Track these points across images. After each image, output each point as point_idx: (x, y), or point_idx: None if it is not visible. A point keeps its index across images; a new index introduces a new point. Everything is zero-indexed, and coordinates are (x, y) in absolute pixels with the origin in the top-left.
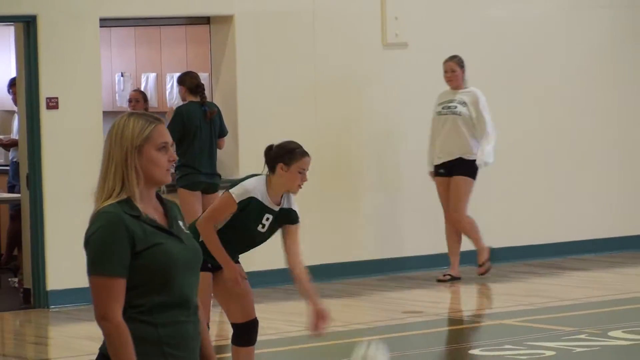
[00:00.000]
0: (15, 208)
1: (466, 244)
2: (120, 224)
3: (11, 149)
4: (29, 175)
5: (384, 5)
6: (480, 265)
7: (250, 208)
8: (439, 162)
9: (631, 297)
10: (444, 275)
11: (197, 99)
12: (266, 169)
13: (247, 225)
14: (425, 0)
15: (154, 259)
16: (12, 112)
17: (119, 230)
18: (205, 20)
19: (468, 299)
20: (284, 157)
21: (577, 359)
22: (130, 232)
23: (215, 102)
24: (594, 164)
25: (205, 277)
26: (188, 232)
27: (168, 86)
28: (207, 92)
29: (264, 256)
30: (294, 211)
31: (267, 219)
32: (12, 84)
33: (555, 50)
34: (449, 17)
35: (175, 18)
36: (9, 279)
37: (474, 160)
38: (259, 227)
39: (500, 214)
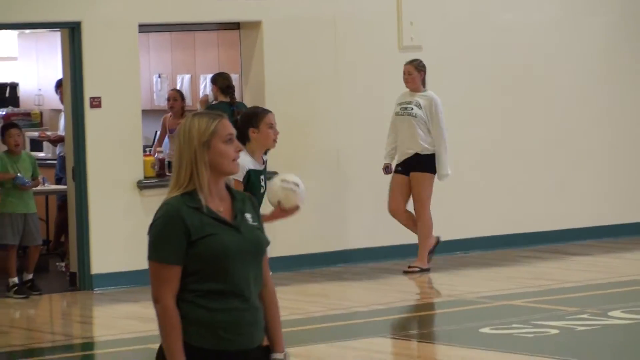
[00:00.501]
0: (62, 199)
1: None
2: (177, 216)
3: (58, 145)
4: (74, 168)
5: (400, 12)
6: (410, 266)
7: (252, 179)
8: (399, 160)
9: (629, 280)
10: (410, 268)
11: (227, 99)
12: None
13: (255, 194)
14: (438, 7)
15: (208, 248)
16: (59, 111)
17: (175, 222)
18: (236, 25)
19: (478, 281)
20: (251, 121)
21: (579, 336)
22: (186, 223)
23: (244, 100)
24: (595, 157)
25: None
26: (255, 224)
27: (202, 86)
28: (237, 92)
29: (287, 243)
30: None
31: (262, 179)
32: (59, 85)
33: (557, 52)
34: (458, 22)
35: (208, 24)
36: (57, 264)
37: (431, 155)
38: (261, 190)
39: (510, 203)
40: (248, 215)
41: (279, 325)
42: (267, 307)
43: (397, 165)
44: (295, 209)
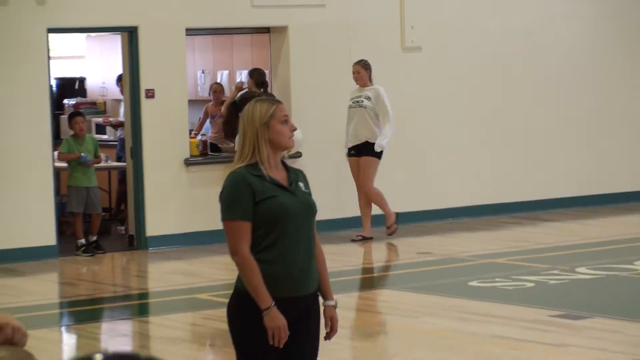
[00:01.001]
0: (122, 173)
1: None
2: (243, 181)
3: (119, 129)
4: (132, 148)
5: (403, 17)
6: (388, 227)
7: None
8: (350, 145)
9: (593, 242)
10: (357, 236)
11: (261, 91)
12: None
13: None
14: (436, 13)
15: (269, 208)
16: (119, 101)
17: (243, 186)
18: (266, 30)
19: (467, 243)
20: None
21: (551, 289)
22: (252, 187)
23: (273, 92)
24: (567, 140)
25: None
26: (307, 191)
27: (237, 81)
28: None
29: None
30: None
31: None
32: (119, 79)
33: (543, 52)
34: (454, 26)
35: (243, 28)
36: (118, 228)
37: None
38: None
39: (494, 177)
40: (301, 184)
41: (327, 276)
42: (317, 261)
43: (350, 149)
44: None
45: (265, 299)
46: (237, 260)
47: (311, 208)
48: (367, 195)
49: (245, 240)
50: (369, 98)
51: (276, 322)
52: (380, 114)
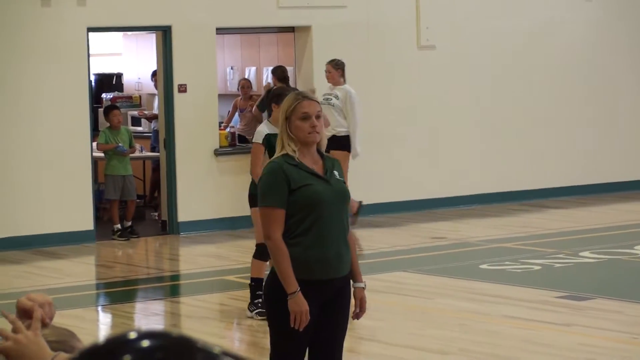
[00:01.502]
0: (156, 163)
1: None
2: (279, 170)
3: (153, 121)
4: (165, 139)
5: (419, 18)
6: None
7: (271, 141)
8: None
9: (596, 228)
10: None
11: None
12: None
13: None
14: (449, 15)
15: (304, 195)
16: (153, 95)
17: (278, 175)
18: (291, 29)
19: (478, 228)
20: (274, 98)
21: (557, 271)
22: (287, 175)
23: (297, 87)
24: (570, 130)
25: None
26: (340, 179)
27: (264, 76)
28: (292, 81)
29: None
30: None
31: None
32: (154, 74)
33: (551, 49)
34: (466, 27)
35: (269, 27)
36: (151, 214)
37: (345, 136)
38: None
39: (503, 167)
40: (335, 173)
41: (356, 260)
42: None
43: None
44: None
45: (291, 284)
46: (270, 244)
47: (344, 195)
48: None
49: (278, 226)
50: (337, 97)
51: (299, 307)
52: (347, 113)
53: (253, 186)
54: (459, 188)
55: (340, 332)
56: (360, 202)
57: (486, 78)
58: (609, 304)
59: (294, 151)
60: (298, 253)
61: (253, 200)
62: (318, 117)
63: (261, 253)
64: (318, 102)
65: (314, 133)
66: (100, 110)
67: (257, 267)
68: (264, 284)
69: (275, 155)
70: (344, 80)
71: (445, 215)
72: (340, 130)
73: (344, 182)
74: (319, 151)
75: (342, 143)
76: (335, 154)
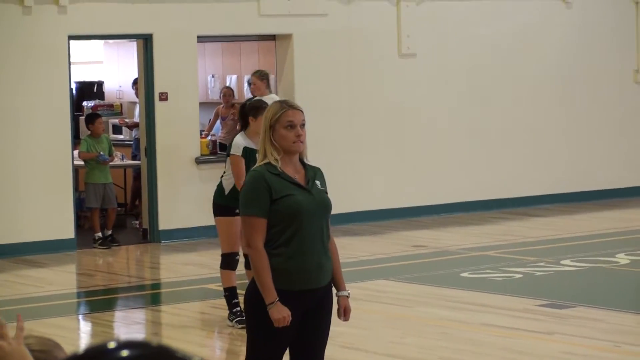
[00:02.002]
0: (137, 171)
1: None
2: (261, 179)
3: (134, 129)
4: (146, 147)
5: (400, 27)
6: None
7: (250, 155)
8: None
9: (577, 236)
10: None
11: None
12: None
13: (251, 165)
14: (429, 23)
15: (286, 205)
16: (134, 103)
17: (260, 184)
18: (272, 37)
19: (459, 236)
20: (252, 111)
21: (538, 279)
22: (269, 185)
23: (279, 95)
24: (552, 138)
25: (236, 220)
26: (322, 189)
27: (245, 85)
28: (273, 88)
29: None
30: None
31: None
32: (135, 82)
33: (533, 56)
34: (446, 34)
35: (250, 35)
36: (132, 222)
37: None
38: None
39: (484, 175)
40: (317, 182)
41: (340, 269)
42: (331, 255)
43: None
44: None
45: (270, 294)
46: (251, 253)
47: (326, 206)
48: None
49: (260, 235)
50: None
51: (280, 313)
52: None
53: (217, 195)
54: (440, 196)
55: (321, 341)
56: None
57: (467, 86)
58: (590, 312)
59: (277, 160)
60: (279, 263)
61: (218, 210)
62: (302, 126)
63: (227, 263)
64: (302, 112)
65: (299, 142)
66: (82, 118)
67: (227, 276)
68: (246, 287)
69: (257, 164)
70: (270, 91)
71: (426, 224)
72: None
73: (326, 192)
74: (301, 160)
75: None
76: None
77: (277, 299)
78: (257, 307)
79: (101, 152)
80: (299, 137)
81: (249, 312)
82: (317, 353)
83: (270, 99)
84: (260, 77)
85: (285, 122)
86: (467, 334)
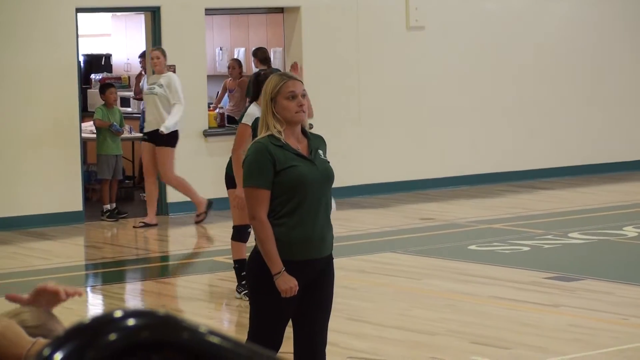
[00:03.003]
0: None
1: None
2: (265, 151)
3: (142, 102)
4: None
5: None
6: (197, 215)
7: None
8: (146, 130)
9: (585, 209)
10: (139, 223)
11: (265, 67)
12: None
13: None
14: None
15: (289, 177)
16: (142, 75)
17: (264, 155)
18: (281, 10)
19: (467, 209)
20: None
21: (546, 252)
22: (273, 156)
23: (287, 69)
24: (559, 112)
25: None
26: (324, 158)
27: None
28: (280, 62)
29: None
30: None
31: None
32: (141, 55)
33: (539, 28)
34: (454, 7)
35: (259, 8)
36: (140, 194)
37: (172, 132)
38: None
39: (491, 148)
40: (321, 152)
41: None
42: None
43: (145, 134)
44: None
45: (276, 264)
46: (255, 224)
47: (329, 176)
48: (170, 186)
49: (263, 206)
50: (161, 85)
51: (287, 284)
52: (171, 100)
53: (231, 168)
54: (448, 169)
55: (324, 312)
56: (210, 200)
57: (475, 59)
58: (597, 285)
59: (280, 132)
60: (282, 234)
61: (231, 182)
62: (304, 96)
63: (239, 235)
64: (302, 82)
65: (301, 112)
66: (90, 91)
67: (237, 248)
68: (247, 261)
69: (260, 136)
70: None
71: (434, 196)
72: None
73: (328, 162)
74: (303, 130)
75: (168, 139)
76: (159, 150)
77: (284, 268)
78: (260, 279)
79: (114, 123)
80: (302, 106)
81: (252, 286)
82: (321, 325)
83: (167, 76)
84: (164, 53)
85: (287, 93)
86: (474, 306)
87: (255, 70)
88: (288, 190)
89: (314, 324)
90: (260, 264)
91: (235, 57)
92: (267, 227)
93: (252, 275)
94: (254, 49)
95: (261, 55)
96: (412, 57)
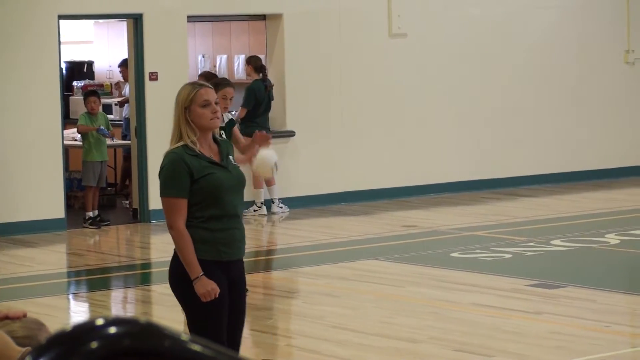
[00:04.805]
0: (127, 151)
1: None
2: (181, 160)
3: (125, 107)
4: (136, 127)
5: (390, 6)
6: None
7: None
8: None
9: (566, 216)
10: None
11: (259, 77)
12: None
13: None
14: (420, 3)
15: (207, 184)
16: (124, 83)
17: (180, 165)
18: (263, 17)
19: (449, 217)
20: (215, 88)
21: (528, 260)
22: (189, 166)
23: (269, 76)
24: (542, 120)
25: None
26: (235, 163)
27: (236, 64)
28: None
29: (302, 183)
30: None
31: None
32: (121, 64)
33: (522, 36)
34: (436, 14)
35: (241, 15)
36: (122, 202)
37: None
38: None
39: (475, 155)
40: (231, 157)
41: None
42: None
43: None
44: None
45: (195, 270)
46: (173, 234)
47: (243, 180)
48: None
49: (181, 215)
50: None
51: (206, 287)
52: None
53: None
54: (430, 176)
55: (241, 314)
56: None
57: (457, 66)
58: (579, 292)
59: (194, 142)
60: (205, 236)
61: None
62: (217, 103)
63: None
64: (213, 89)
65: (215, 119)
66: (72, 98)
67: None
68: (168, 272)
69: (174, 146)
70: (259, 75)
71: (417, 204)
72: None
73: (239, 166)
74: (213, 137)
75: None
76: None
77: (202, 273)
78: (189, 287)
79: (101, 126)
80: (216, 113)
81: (182, 295)
82: (239, 327)
83: None
84: (247, 62)
85: (202, 101)
86: (456, 313)
87: (246, 76)
88: (207, 196)
89: (234, 327)
90: (185, 275)
91: (217, 64)
92: (185, 235)
93: (181, 286)
94: (248, 56)
95: (254, 63)
96: (394, 64)
